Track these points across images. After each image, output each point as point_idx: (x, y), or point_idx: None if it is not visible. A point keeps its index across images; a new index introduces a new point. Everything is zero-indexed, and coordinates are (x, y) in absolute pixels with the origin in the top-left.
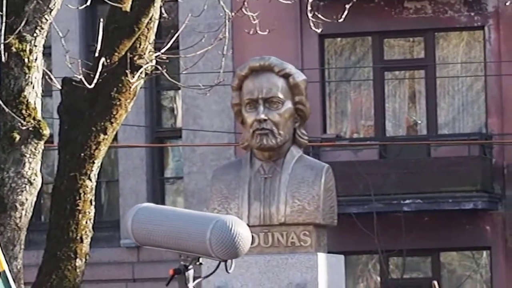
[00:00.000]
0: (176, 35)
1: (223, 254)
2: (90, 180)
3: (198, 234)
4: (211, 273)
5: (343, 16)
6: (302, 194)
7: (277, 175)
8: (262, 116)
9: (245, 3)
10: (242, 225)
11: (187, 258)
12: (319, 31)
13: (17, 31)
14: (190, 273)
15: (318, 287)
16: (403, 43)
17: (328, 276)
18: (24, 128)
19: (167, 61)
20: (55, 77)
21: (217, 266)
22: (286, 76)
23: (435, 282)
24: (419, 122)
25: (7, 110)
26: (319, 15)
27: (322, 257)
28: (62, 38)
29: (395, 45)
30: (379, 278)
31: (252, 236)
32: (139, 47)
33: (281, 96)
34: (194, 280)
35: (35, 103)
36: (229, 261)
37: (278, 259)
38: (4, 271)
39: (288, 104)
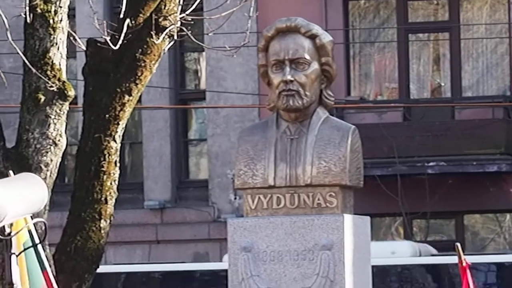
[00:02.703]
0: None
1: None
2: (115, 141)
3: None
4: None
5: None
6: (328, 155)
7: (303, 136)
8: (289, 77)
9: None
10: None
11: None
12: None
13: None
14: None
15: (344, 248)
16: (427, 5)
17: (354, 237)
18: (49, 89)
19: (192, 22)
20: (79, 38)
21: None
22: (313, 37)
23: (458, 245)
24: (443, 84)
25: (34, 70)
26: None
27: (348, 218)
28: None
29: (419, 7)
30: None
31: (278, 197)
32: (164, 8)
33: (307, 57)
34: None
35: (60, 64)
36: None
37: (304, 220)
38: (36, 245)
39: (315, 65)
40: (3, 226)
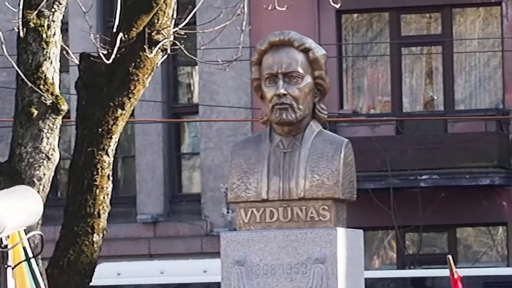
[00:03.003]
0: (194, 10)
1: None
2: (108, 155)
3: None
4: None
5: None
6: (321, 169)
7: (297, 149)
8: (282, 91)
9: None
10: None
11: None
12: (338, 6)
13: (38, 7)
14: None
15: (337, 261)
16: (420, 19)
17: (347, 250)
18: (42, 103)
19: (185, 36)
20: (72, 53)
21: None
22: (306, 51)
23: (450, 257)
24: (436, 98)
25: (29, 84)
26: None
27: (341, 231)
28: (85, 14)
29: (412, 21)
30: (395, 254)
31: (271, 211)
32: (157, 22)
33: (300, 71)
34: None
35: (53, 78)
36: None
37: (297, 233)
38: (30, 259)
39: (308, 79)
40: (0, 238)
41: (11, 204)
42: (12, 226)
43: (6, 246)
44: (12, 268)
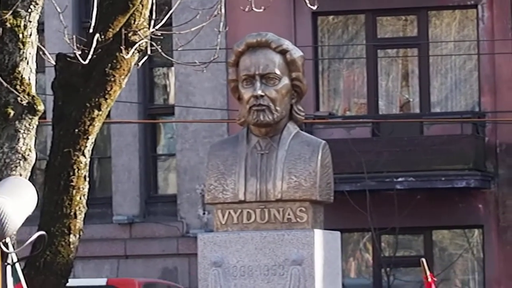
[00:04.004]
0: (171, 12)
1: None
2: (84, 156)
3: None
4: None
5: None
6: (298, 171)
7: (274, 151)
8: (259, 92)
9: None
10: (10, 206)
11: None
12: (314, 8)
13: (13, 7)
14: (10, 250)
15: (315, 263)
16: (396, 21)
17: (325, 252)
18: (19, 103)
19: (162, 37)
20: (49, 54)
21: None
22: (283, 52)
23: (423, 260)
24: (412, 100)
25: (5, 84)
26: None
27: (318, 233)
28: (60, 14)
29: (388, 23)
30: (371, 256)
31: (248, 212)
32: (134, 23)
33: (278, 72)
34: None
35: (29, 79)
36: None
37: (274, 235)
38: (14, 264)
39: (285, 81)
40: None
41: (17, 202)
42: (20, 223)
43: (6, 245)
44: (12, 266)
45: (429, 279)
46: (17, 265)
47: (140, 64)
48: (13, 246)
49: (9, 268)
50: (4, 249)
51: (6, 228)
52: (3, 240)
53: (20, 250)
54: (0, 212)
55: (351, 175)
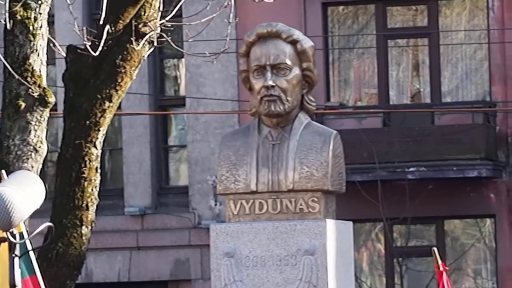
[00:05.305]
0: (181, 3)
1: None
2: (96, 147)
3: None
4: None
5: None
6: (310, 161)
7: (285, 141)
8: (270, 83)
9: None
10: (17, 197)
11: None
12: None
13: (24, 0)
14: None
15: (327, 253)
16: (406, 11)
17: (337, 242)
18: (30, 95)
19: (172, 29)
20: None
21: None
22: (294, 43)
23: (435, 249)
24: (422, 90)
25: (16, 76)
26: None
27: (330, 223)
28: (70, 5)
29: (398, 13)
30: (383, 246)
31: (260, 202)
32: (144, 14)
33: (288, 62)
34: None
35: (40, 71)
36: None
37: (286, 225)
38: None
39: (296, 71)
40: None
41: (25, 193)
42: (27, 215)
43: (14, 236)
44: (19, 258)
45: (441, 268)
46: (31, 255)
47: (146, 55)
48: (23, 236)
49: (16, 259)
50: (12, 239)
51: (13, 218)
52: (11, 230)
53: (31, 241)
54: (7, 202)
55: (363, 166)
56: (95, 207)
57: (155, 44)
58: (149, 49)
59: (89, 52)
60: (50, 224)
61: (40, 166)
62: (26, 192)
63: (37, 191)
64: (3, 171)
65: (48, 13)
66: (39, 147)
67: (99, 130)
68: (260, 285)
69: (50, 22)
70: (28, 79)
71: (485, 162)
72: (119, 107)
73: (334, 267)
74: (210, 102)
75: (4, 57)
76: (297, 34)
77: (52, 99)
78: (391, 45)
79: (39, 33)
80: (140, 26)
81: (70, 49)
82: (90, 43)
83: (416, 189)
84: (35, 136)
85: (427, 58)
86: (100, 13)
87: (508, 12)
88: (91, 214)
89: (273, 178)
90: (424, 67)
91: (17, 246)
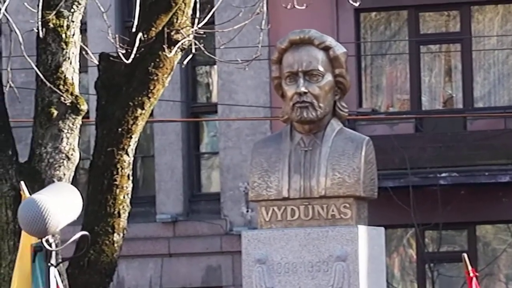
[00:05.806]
0: (213, 10)
1: (32, 231)
2: (128, 155)
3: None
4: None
5: None
6: (342, 167)
7: (317, 148)
8: (302, 89)
9: None
10: (53, 205)
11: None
12: (357, 4)
13: (57, 8)
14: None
15: (359, 259)
16: (438, 17)
17: (369, 248)
18: (62, 103)
19: (204, 36)
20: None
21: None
22: (326, 49)
23: (465, 255)
24: (455, 95)
25: (48, 84)
26: None
27: (362, 229)
28: (104, 13)
29: (431, 19)
30: (414, 252)
31: (292, 209)
32: (176, 22)
33: (321, 69)
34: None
35: (72, 79)
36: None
37: (318, 231)
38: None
39: (328, 77)
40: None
41: (61, 202)
42: (63, 224)
43: (50, 244)
44: (55, 267)
45: (471, 274)
46: (52, 269)
47: (184, 62)
48: (56, 245)
49: (52, 268)
50: (47, 246)
51: (48, 225)
52: (46, 238)
53: (63, 250)
54: (43, 209)
55: (395, 171)
56: (127, 214)
57: (193, 50)
58: (181, 57)
59: (122, 60)
60: (86, 233)
61: (72, 174)
62: (62, 201)
63: (74, 202)
64: (22, 182)
65: (81, 21)
66: (71, 154)
67: (131, 138)
68: None
69: (83, 30)
70: (61, 87)
71: None
72: (151, 114)
73: (366, 273)
74: (242, 109)
75: (36, 65)
76: (330, 40)
77: (84, 107)
78: (424, 51)
79: (71, 41)
80: (172, 33)
81: (103, 56)
82: (123, 51)
83: (448, 195)
84: (67, 144)
85: (459, 63)
86: (133, 21)
87: None
88: (123, 221)
89: (305, 185)
90: (457, 73)
91: (53, 254)
